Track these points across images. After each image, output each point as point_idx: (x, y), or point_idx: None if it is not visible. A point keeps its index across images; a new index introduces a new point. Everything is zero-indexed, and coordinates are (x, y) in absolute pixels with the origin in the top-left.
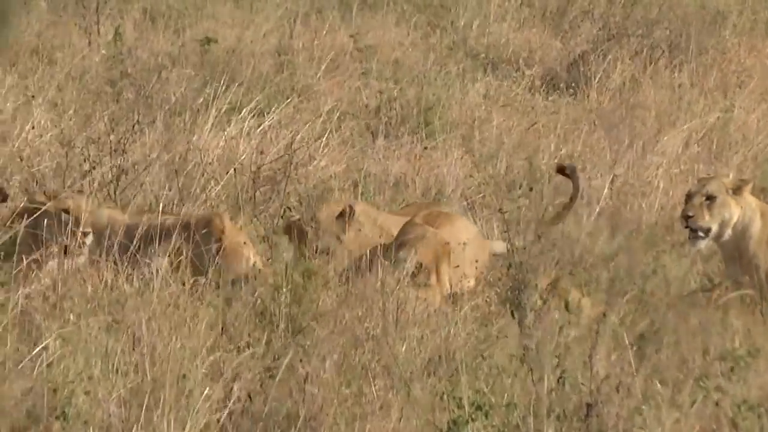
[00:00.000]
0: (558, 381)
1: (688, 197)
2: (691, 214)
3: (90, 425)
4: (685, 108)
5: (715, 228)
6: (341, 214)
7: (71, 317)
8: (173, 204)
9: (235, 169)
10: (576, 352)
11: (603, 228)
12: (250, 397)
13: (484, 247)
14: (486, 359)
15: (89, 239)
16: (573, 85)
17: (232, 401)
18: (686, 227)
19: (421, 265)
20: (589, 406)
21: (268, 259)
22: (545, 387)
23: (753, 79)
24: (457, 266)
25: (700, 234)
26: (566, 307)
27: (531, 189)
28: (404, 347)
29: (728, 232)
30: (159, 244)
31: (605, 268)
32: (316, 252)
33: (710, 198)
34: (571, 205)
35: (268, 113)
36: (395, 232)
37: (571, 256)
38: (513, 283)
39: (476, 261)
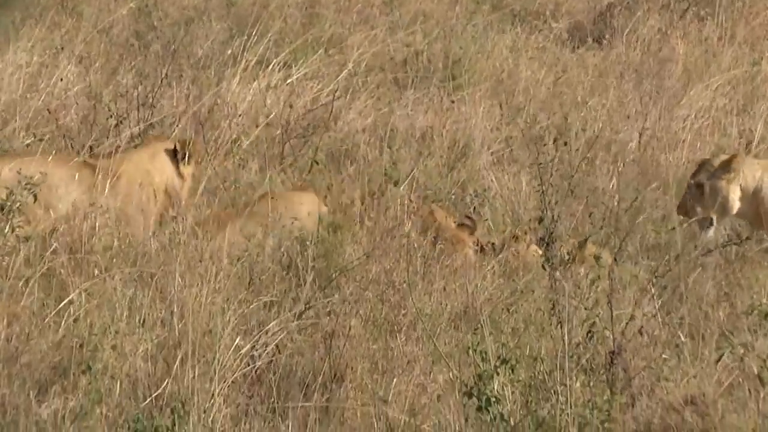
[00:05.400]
0: (587, 334)
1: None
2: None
3: (116, 379)
4: (712, 61)
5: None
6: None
7: (96, 271)
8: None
9: (265, 123)
10: (603, 303)
11: (631, 181)
12: (278, 349)
13: None
14: (512, 313)
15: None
16: (600, 38)
17: (258, 355)
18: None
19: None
20: (612, 354)
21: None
22: (572, 340)
23: None
24: None
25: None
26: (596, 260)
27: (565, 143)
28: (431, 301)
29: (737, 207)
30: None
31: (632, 221)
32: None
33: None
34: None
35: (295, 66)
36: None
37: (601, 209)
38: (544, 236)
39: None
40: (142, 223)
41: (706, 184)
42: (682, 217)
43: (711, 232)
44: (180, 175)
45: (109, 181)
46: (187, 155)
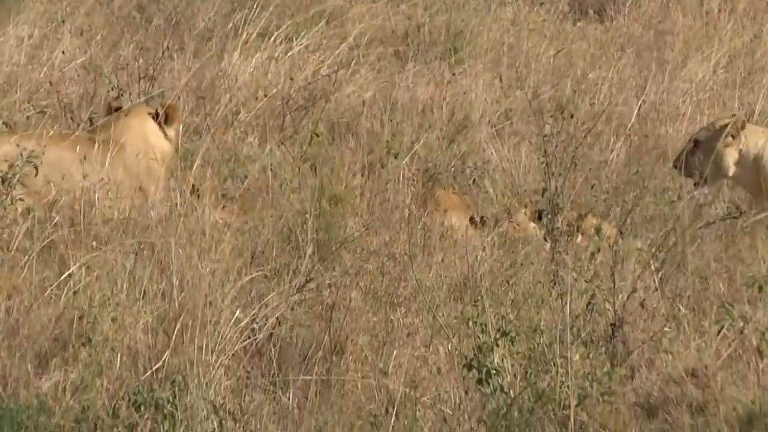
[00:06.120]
0: (587, 306)
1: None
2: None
3: (117, 352)
4: (712, 34)
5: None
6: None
7: (96, 244)
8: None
9: (265, 95)
10: (604, 276)
11: (630, 154)
12: (279, 322)
13: None
14: (512, 285)
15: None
16: (601, 11)
17: (259, 327)
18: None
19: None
20: (613, 326)
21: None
22: (572, 312)
23: None
24: None
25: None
26: (597, 233)
27: (572, 116)
28: (430, 273)
29: (731, 171)
30: None
31: (632, 193)
32: None
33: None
34: None
35: (297, 39)
36: None
37: (602, 182)
38: (547, 207)
39: None
40: (153, 187)
41: (703, 143)
42: (679, 179)
43: (704, 191)
44: (166, 137)
45: (109, 153)
46: (166, 117)
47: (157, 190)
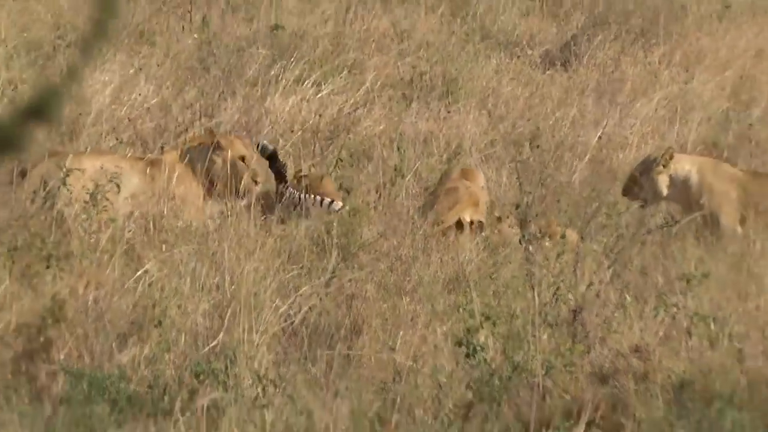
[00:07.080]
0: (553, 296)
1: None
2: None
3: (181, 332)
4: (654, 81)
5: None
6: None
7: (165, 246)
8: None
9: (300, 128)
10: (567, 272)
11: (590, 175)
12: (310, 309)
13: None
14: (494, 279)
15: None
16: (566, 62)
17: (294, 313)
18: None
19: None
20: (574, 312)
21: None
22: (541, 301)
23: (708, 57)
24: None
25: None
26: (562, 237)
27: (537, 146)
28: (429, 270)
29: (665, 192)
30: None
31: (590, 207)
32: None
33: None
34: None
35: (324, 84)
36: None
37: (566, 197)
38: (520, 218)
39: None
40: (193, 210)
41: (641, 173)
42: (628, 202)
43: (646, 210)
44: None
45: (166, 174)
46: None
47: (197, 213)
